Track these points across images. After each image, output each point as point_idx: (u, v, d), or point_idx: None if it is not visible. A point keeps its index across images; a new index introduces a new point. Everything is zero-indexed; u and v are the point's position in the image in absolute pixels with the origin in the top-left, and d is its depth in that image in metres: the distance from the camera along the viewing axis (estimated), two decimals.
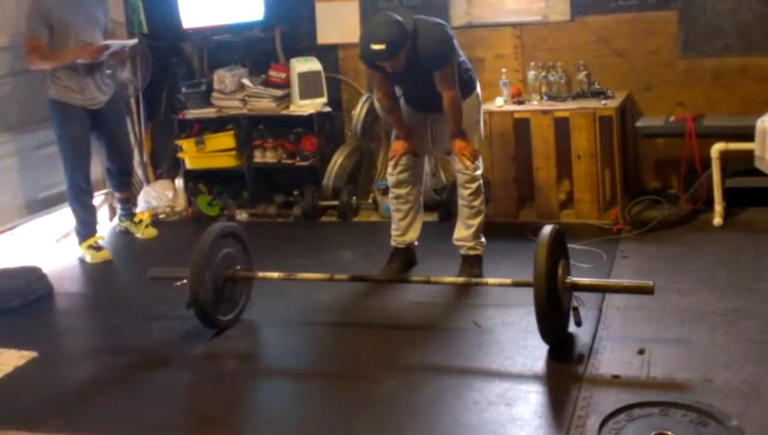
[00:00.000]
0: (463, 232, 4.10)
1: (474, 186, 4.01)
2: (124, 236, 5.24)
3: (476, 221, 4.06)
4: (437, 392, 3.03)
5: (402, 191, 4.10)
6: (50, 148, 5.02)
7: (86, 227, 4.88)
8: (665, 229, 4.54)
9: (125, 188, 5.23)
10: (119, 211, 5.29)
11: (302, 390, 3.25)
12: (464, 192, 4.04)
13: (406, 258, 4.20)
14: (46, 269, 4.47)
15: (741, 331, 3.29)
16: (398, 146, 4.06)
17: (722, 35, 4.86)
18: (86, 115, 4.72)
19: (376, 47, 3.62)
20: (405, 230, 4.17)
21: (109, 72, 4.81)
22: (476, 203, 4.04)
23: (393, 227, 4.20)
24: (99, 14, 4.76)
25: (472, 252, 4.10)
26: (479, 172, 4.04)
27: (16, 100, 4.96)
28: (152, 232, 5.23)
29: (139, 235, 5.19)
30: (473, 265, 4.07)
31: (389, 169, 4.12)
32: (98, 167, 5.28)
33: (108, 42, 4.69)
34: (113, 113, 4.90)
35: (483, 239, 4.13)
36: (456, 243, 4.12)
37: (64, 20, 4.53)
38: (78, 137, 4.72)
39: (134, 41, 4.89)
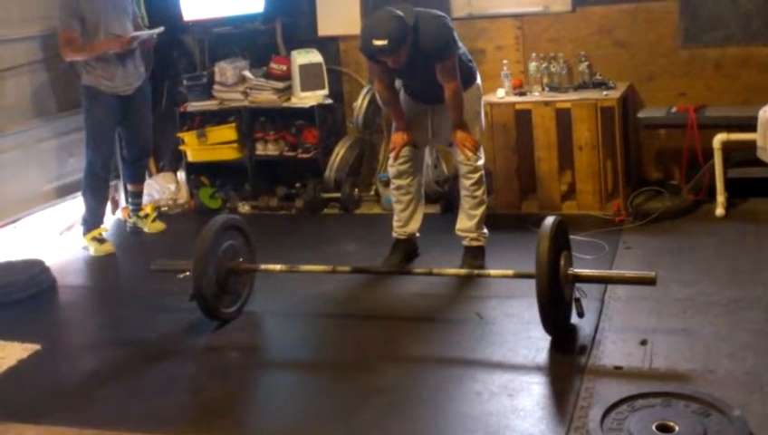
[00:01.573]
0: (465, 223, 4.10)
1: (476, 176, 4.01)
2: (130, 230, 5.24)
3: (479, 211, 4.06)
4: (440, 384, 3.03)
5: (403, 182, 4.11)
6: (54, 140, 5.03)
7: (93, 217, 4.90)
8: (667, 220, 4.54)
9: (139, 179, 5.24)
10: (129, 206, 5.30)
11: (304, 381, 3.26)
12: (466, 182, 4.04)
13: (408, 250, 4.20)
14: (49, 262, 4.48)
15: (743, 321, 3.29)
16: (397, 138, 4.06)
17: (723, 25, 4.85)
18: (116, 102, 4.78)
19: (378, 43, 3.62)
20: (406, 221, 4.17)
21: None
22: (479, 193, 4.04)
23: (395, 218, 4.21)
24: (127, 5, 4.84)
25: (475, 243, 4.10)
26: (481, 163, 4.04)
27: (31, 91, 4.99)
28: (160, 226, 5.23)
29: (146, 229, 5.20)
30: (475, 256, 4.07)
31: (390, 161, 4.12)
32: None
33: (137, 33, 4.78)
34: (141, 99, 4.95)
35: (485, 230, 4.13)
36: (459, 233, 4.13)
37: (95, 13, 4.62)
38: (102, 123, 4.78)
39: (160, 29, 4.92)
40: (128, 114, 4.88)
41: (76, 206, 5.15)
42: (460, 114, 3.91)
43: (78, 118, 4.94)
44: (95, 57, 4.66)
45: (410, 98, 4.09)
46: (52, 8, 4.72)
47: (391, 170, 4.13)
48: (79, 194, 4.99)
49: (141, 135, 5.04)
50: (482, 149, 4.06)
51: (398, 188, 4.13)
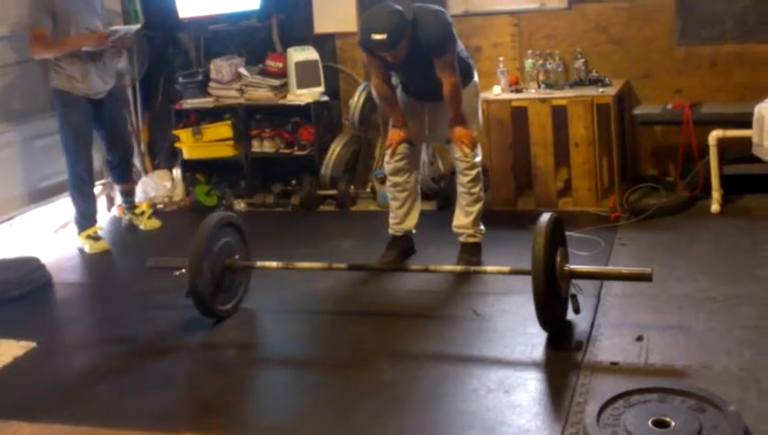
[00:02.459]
0: (462, 219, 4.10)
1: (473, 173, 4.02)
2: (125, 226, 5.23)
3: (475, 208, 4.07)
4: (436, 380, 3.04)
5: (399, 179, 4.10)
6: (48, 138, 5.03)
7: (85, 218, 4.88)
8: (662, 217, 4.54)
9: (126, 179, 5.22)
10: (123, 204, 5.28)
11: (301, 378, 3.26)
12: (463, 179, 4.04)
13: (404, 246, 4.20)
14: (45, 259, 4.48)
15: (739, 317, 3.30)
16: (394, 135, 4.06)
17: (719, 22, 4.85)
18: (89, 105, 4.73)
19: (377, 37, 3.62)
20: (403, 218, 4.17)
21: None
22: (475, 190, 4.05)
23: (391, 215, 4.21)
24: (97, 4, 4.76)
25: (471, 239, 4.10)
26: (478, 160, 4.04)
27: (17, 90, 4.95)
28: (155, 223, 5.22)
29: (142, 226, 5.19)
30: (472, 253, 4.07)
31: (386, 158, 4.12)
32: (98, 157, 5.27)
33: (113, 27, 4.71)
34: (114, 103, 4.91)
35: (482, 227, 4.13)
36: (456, 230, 4.13)
37: (66, 8, 4.54)
38: (80, 126, 4.72)
39: (137, 26, 4.88)
40: (102, 118, 4.82)
41: (70, 204, 5.14)
42: (458, 110, 3.91)
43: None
44: (64, 56, 4.55)
45: (407, 95, 4.09)
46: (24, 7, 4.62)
47: (388, 167, 4.13)
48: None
49: (119, 138, 5.00)
50: (479, 146, 4.06)
51: (395, 185, 4.13)
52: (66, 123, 4.71)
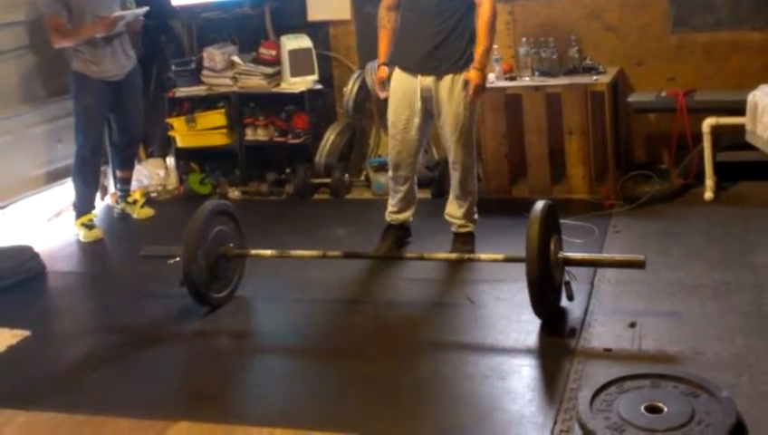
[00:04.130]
0: (454, 209, 4.10)
1: (466, 169, 3.97)
2: (118, 215, 5.22)
3: (467, 202, 4.06)
4: (431, 367, 3.04)
5: (401, 173, 4.08)
6: (44, 126, 5.01)
7: (84, 203, 4.89)
8: (656, 204, 4.55)
9: (128, 166, 5.21)
10: (118, 192, 5.27)
11: (295, 366, 3.26)
12: (455, 173, 4.02)
13: (400, 234, 4.20)
14: (39, 248, 4.46)
15: (731, 303, 3.32)
16: (381, 72, 4.01)
17: (712, 9, 4.84)
18: (106, 88, 4.76)
19: None
20: (401, 209, 4.16)
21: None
22: (469, 184, 4.02)
23: (390, 202, 4.19)
24: None
25: (463, 229, 4.10)
26: (472, 155, 3.98)
27: (19, 76, 4.96)
28: (149, 212, 5.22)
29: (135, 215, 5.18)
30: (465, 242, 4.07)
31: (390, 151, 4.07)
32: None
33: (121, 12, 4.73)
34: (132, 85, 4.92)
35: (475, 216, 4.13)
36: (448, 218, 4.12)
37: None
38: (91, 108, 4.76)
39: (144, 9, 4.88)
40: (118, 101, 4.86)
41: (65, 192, 5.13)
42: (486, 47, 3.79)
43: (67, 104, 4.92)
44: (84, 42, 4.63)
45: (403, 62, 3.94)
46: None
47: (390, 160, 4.10)
48: (67, 180, 4.97)
49: (132, 122, 5.02)
50: (473, 142, 3.97)
51: (396, 178, 4.10)
52: (78, 104, 4.77)
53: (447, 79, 3.85)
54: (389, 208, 4.19)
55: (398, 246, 4.17)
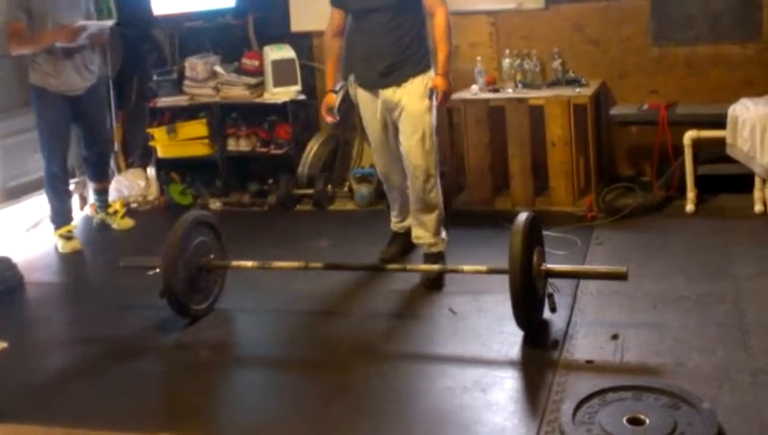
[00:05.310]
0: (419, 230, 3.97)
1: (426, 177, 3.82)
2: (97, 226, 5.17)
3: (432, 217, 3.91)
4: (412, 379, 3.03)
5: (392, 183, 4.07)
6: (21, 135, 4.95)
7: (59, 216, 4.82)
8: (638, 216, 4.57)
9: (102, 178, 5.14)
10: (96, 202, 5.22)
11: (275, 378, 3.24)
12: (415, 182, 3.83)
13: (405, 242, 4.16)
14: (16, 259, 4.41)
15: (712, 315, 3.32)
16: (329, 99, 4.03)
17: (693, 24, 4.89)
18: (65, 102, 4.66)
19: None
20: (404, 216, 4.14)
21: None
22: (431, 197, 3.87)
23: (392, 213, 4.19)
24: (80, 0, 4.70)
25: (434, 249, 3.96)
26: (434, 164, 3.85)
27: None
28: (128, 223, 5.17)
29: (115, 225, 5.13)
30: (435, 262, 3.92)
31: (376, 165, 4.09)
32: (72, 155, 5.19)
33: (84, 22, 4.60)
34: (94, 100, 4.83)
35: (443, 235, 3.98)
36: (416, 241, 4.02)
37: (42, 3, 4.48)
38: (54, 123, 4.66)
39: (111, 21, 4.81)
40: (81, 115, 4.76)
41: (43, 202, 5.07)
42: (447, 53, 3.78)
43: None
44: (41, 53, 4.49)
45: (362, 79, 3.95)
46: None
47: (379, 173, 4.12)
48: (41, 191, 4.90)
49: (97, 136, 4.94)
50: (435, 150, 3.85)
51: (389, 189, 4.13)
52: (41, 119, 4.66)
53: (407, 83, 3.83)
54: (392, 219, 4.20)
55: (402, 252, 4.15)
